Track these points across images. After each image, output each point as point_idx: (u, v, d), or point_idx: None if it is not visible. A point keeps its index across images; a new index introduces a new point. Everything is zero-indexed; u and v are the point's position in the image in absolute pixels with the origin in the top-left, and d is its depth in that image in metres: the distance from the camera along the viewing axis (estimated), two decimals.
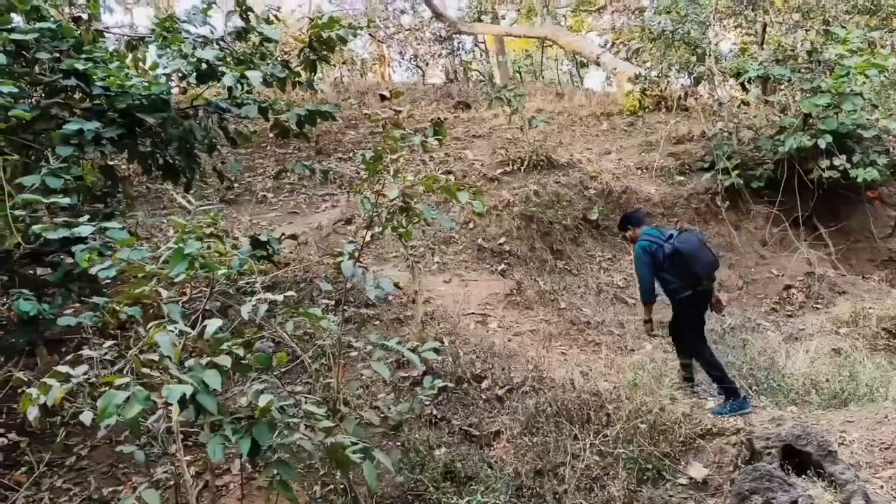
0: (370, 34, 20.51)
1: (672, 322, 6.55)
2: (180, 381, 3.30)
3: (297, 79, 7.77)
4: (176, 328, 3.69)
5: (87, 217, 5.19)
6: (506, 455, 5.40)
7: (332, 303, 7.73)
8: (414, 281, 6.84)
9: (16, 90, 5.41)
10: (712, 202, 11.11)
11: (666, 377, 5.97)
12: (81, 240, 5.56)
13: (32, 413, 3.56)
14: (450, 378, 6.19)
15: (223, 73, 6.34)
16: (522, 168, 11.21)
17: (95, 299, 5.51)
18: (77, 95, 6.88)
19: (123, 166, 10.21)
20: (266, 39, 7.66)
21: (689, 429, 5.24)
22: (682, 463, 5.09)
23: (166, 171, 7.62)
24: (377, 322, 7.48)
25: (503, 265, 9.17)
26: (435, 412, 5.92)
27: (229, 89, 6.46)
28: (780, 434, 4.77)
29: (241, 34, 7.42)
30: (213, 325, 3.82)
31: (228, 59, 7.18)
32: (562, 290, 8.67)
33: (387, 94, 6.53)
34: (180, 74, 6.52)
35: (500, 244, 9.52)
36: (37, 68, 6.59)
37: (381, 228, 4.74)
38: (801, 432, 4.71)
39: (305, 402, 3.93)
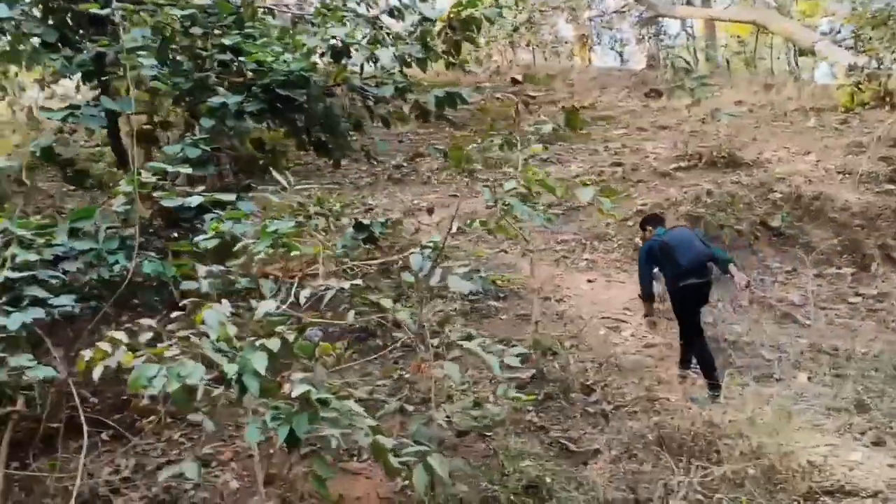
0: (571, 17, 19.93)
1: (672, 307, 6.75)
2: (209, 362, 3.27)
3: (449, 59, 7.65)
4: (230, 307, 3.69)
5: (201, 189, 5.41)
6: (599, 478, 4.93)
7: (466, 292, 7.54)
8: (533, 277, 6.46)
9: (156, 63, 5.71)
10: None
11: (801, 415, 5.14)
12: (215, 209, 5.83)
13: (97, 373, 3.72)
14: (558, 386, 5.79)
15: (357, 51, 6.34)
16: (699, 164, 10.29)
17: (214, 267, 5.74)
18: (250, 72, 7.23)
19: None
20: (425, 18, 7.60)
21: (814, 482, 4.47)
22: None
23: (318, 147, 7.83)
24: (503, 317, 7.20)
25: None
26: (535, 420, 5.56)
27: (361, 67, 6.44)
28: None
29: (392, 13, 7.40)
30: (265, 306, 3.78)
31: (384, 38, 7.21)
32: (716, 301, 7.84)
33: (519, 77, 6.17)
34: (320, 52, 6.60)
35: None
36: (199, 43, 6.99)
37: (469, 222, 4.45)
38: None
39: (350, 398, 3.77)
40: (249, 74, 6.95)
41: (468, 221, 4.65)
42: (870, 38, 11.33)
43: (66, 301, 5.01)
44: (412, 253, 4.18)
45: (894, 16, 10.61)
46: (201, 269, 3.89)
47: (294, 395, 3.45)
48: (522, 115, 6.67)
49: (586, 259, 8.68)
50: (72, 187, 9.06)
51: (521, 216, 4.29)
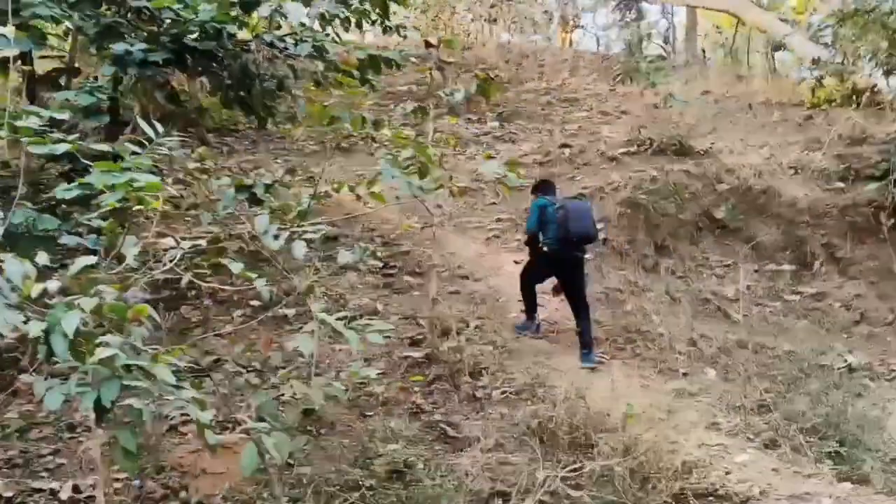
0: None
1: (529, 264, 6.76)
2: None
3: (384, 22, 7.32)
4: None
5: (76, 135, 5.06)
6: (472, 466, 4.68)
7: (381, 265, 7.28)
8: (434, 251, 6.17)
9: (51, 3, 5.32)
10: (874, 217, 9.27)
11: (697, 412, 4.90)
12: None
13: None
14: (449, 368, 5.53)
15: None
16: (649, 151, 10.00)
17: (93, 219, 5.40)
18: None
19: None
20: None
21: (688, 484, 4.23)
22: None
23: (241, 106, 7.45)
24: (416, 293, 6.91)
25: (591, 254, 8.20)
26: (419, 402, 5.30)
27: (269, 20, 6.07)
28: None
29: None
30: (83, 261, 3.46)
31: None
32: (642, 290, 7.59)
33: (433, 41, 5.85)
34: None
35: None
36: None
37: (337, 185, 4.15)
38: None
39: (167, 367, 3.45)
40: (167, 23, 6.56)
41: (334, 185, 4.34)
42: (841, 35, 11.01)
43: None
44: (258, 215, 3.87)
45: (861, 11, 10.25)
46: None
47: (93, 360, 3.13)
48: (437, 83, 6.32)
49: (517, 240, 8.39)
50: None
51: (388, 182, 3.98)
